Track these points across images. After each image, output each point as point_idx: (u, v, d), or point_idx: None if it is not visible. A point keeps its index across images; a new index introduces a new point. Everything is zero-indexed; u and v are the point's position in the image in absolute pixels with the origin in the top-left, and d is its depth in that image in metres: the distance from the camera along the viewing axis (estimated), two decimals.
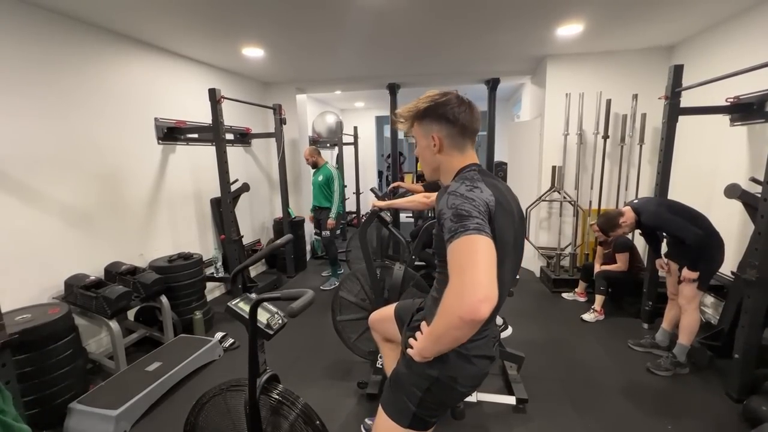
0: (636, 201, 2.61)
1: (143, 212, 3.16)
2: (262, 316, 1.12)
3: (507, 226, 0.96)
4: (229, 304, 1.12)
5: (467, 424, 2.01)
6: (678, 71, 2.66)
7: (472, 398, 2.11)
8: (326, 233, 4.02)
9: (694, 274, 2.30)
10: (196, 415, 1.33)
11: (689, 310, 2.39)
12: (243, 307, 1.12)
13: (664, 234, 2.58)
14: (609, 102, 3.69)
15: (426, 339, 0.94)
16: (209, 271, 3.76)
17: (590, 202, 3.92)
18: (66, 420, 2.04)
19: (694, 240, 2.22)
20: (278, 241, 1.39)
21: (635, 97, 3.63)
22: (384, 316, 1.53)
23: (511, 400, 2.12)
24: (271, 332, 1.08)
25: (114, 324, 2.35)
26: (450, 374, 1.02)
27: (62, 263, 2.51)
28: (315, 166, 4.21)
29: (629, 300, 3.35)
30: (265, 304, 1.17)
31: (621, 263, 3.27)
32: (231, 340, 2.91)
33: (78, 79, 2.60)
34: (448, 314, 0.81)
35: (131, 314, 2.98)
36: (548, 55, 3.88)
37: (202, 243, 3.84)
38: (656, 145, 3.61)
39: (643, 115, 3.63)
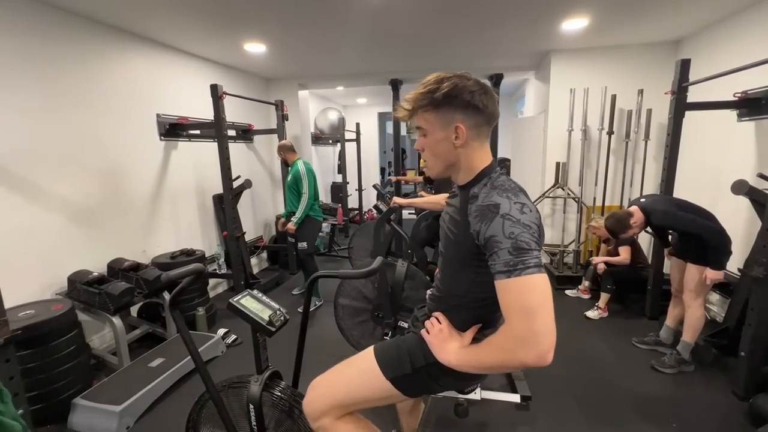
0: (643, 200, 2.53)
1: (146, 209, 3.16)
2: (264, 313, 1.12)
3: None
4: (231, 300, 1.12)
5: (471, 422, 2.00)
6: (685, 66, 2.63)
7: (476, 395, 2.09)
8: (303, 245, 3.35)
9: (720, 275, 2.22)
10: (199, 412, 1.33)
11: (694, 306, 2.36)
12: (245, 303, 1.11)
13: (671, 232, 2.55)
14: (614, 97, 3.65)
15: (469, 360, 0.89)
16: (212, 267, 3.77)
17: (594, 198, 3.89)
18: (70, 415, 2.05)
19: (713, 236, 2.17)
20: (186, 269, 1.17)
21: (641, 92, 3.59)
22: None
23: (515, 397, 2.11)
24: (273, 329, 1.07)
25: (117, 320, 2.36)
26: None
27: (65, 259, 2.51)
28: (286, 163, 3.57)
29: (633, 297, 3.33)
30: (266, 299, 1.16)
31: (624, 255, 3.24)
32: (233, 337, 2.91)
33: (80, 75, 2.60)
34: (511, 355, 0.79)
35: (134, 310, 2.98)
36: (552, 50, 3.84)
37: (205, 239, 3.84)
38: (662, 141, 3.57)
39: (649, 111, 3.59)
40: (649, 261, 3.21)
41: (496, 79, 4.67)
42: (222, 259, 3.83)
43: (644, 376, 2.39)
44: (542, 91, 4.32)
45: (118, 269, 2.66)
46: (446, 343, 0.94)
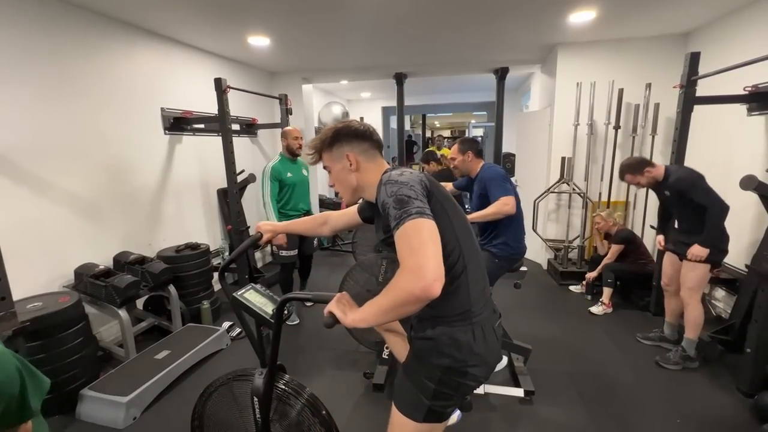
0: (670, 165, 2.49)
1: (151, 202, 3.17)
2: (268, 307, 1.12)
3: (443, 193, 1.05)
4: (235, 294, 1.12)
5: (474, 416, 2.01)
6: (694, 59, 2.58)
7: (480, 390, 2.10)
8: (284, 252, 3.00)
9: (704, 252, 2.20)
10: (204, 404, 1.34)
11: (692, 303, 2.35)
12: (249, 297, 1.12)
13: (678, 208, 2.44)
14: (621, 91, 3.61)
15: (370, 310, 0.93)
16: (216, 261, 3.79)
17: (600, 194, 3.85)
18: (78, 406, 2.08)
19: (719, 211, 2.15)
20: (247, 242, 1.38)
21: (648, 86, 3.53)
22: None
23: (518, 392, 2.11)
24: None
25: (123, 313, 2.38)
26: (463, 360, 1.02)
27: (72, 252, 2.54)
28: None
29: (638, 293, 3.31)
30: (270, 293, 1.17)
31: (611, 254, 3.27)
32: (238, 330, 2.94)
33: (85, 68, 2.60)
34: (402, 291, 0.84)
35: (140, 303, 3.01)
36: (559, 43, 3.79)
37: (210, 233, 3.86)
38: (669, 136, 3.52)
39: (657, 105, 3.54)
40: (654, 257, 3.18)
41: (502, 72, 4.63)
42: (226, 253, 3.85)
43: (648, 372, 2.38)
44: (548, 85, 4.28)
45: (124, 262, 2.69)
46: (349, 309, 0.98)
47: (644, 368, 2.43)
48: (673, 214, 2.52)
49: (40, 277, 2.37)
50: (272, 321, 1.08)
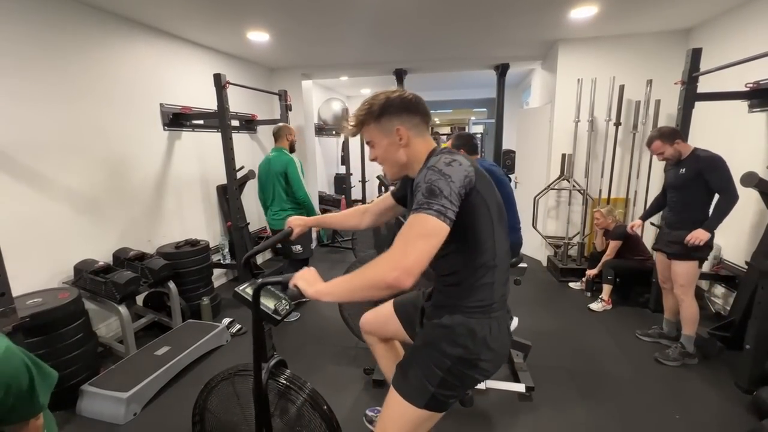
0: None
1: (150, 198, 3.16)
2: (270, 302, 1.12)
3: (491, 191, 1.01)
4: (236, 289, 1.12)
5: (474, 412, 2.02)
6: (696, 55, 2.57)
7: (481, 385, 2.10)
8: (298, 248, 2.97)
9: (707, 235, 2.21)
10: (205, 399, 1.34)
11: (687, 300, 2.37)
12: (250, 292, 1.12)
13: (681, 191, 2.40)
14: (622, 88, 3.60)
15: (338, 284, 0.92)
16: (216, 257, 3.78)
17: (600, 190, 3.85)
18: (78, 401, 2.08)
19: (732, 199, 2.17)
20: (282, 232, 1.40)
21: (650, 82, 3.53)
22: (382, 316, 1.48)
23: (520, 387, 2.11)
24: (278, 318, 1.07)
25: (123, 309, 2.38)
26: (476, 353, 1.02)
27: (71, 249, 2.53)
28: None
29: (637, 290, 3.32)
30: (272, 289, 1.16)
31: (610, 251, 3.28)
32: (238, 326, 2.94)
33: (83, 63, 2.58)
34: (376, 273, 0.84)
35: (140, 299, 3.01)
36: (560, 39, 3.77)
37: (209, 229, 3.86)
38: None
39: (657, 102, 3.54)
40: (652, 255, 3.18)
41: (502, 69, 4.61)
42: (226, 250, 3.84)
43: (648, 369, 2.39)
44: (549, 82, 4.26)
45: (123, 258, 2.68)
46: (314, 281, 0.98)
47: (644, 365, 2.43)
48: (668, 202, 2.51)
49: (40, 273, 2.36)
50: (274, 316, 1.08)
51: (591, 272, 3.41)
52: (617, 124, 3.69)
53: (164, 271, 2.66)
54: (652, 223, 3.47)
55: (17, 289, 2.12)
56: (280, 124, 3.18)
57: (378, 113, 1.03)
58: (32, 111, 2.30)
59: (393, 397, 1.08)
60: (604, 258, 3.31)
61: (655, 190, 3.74)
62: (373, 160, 1.12)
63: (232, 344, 2.76)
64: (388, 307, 1.47)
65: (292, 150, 3.09)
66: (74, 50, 2.52)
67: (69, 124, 2.50)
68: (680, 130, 2.61)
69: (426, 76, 5.71)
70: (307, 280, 0.97)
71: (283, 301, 1.13)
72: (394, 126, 1.03)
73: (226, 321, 2.90)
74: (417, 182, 0.92)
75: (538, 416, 2.00)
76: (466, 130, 12.82)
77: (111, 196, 2.80)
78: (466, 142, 2.27)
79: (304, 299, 0.99)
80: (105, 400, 2.04)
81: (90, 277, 2.38)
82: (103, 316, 2.73)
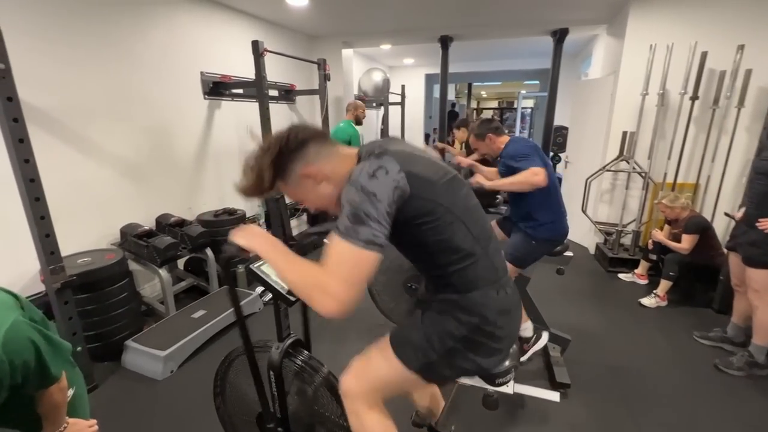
0: None
1: (191, 166, 3.25)
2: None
3: (445, 184, 0.92)
4: (251, 266, 1.07)
5: (499, 412, 1.91)
6: None
7: (508, 390, 1.96)
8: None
9: None
10: (225, 370, 1.35)
11: (761, 307, 2.06)
12: (266, 270, 1.06)
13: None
14: (704, 55, 3.10)
15: (280, 258, 0.87)
16: None
17: (665, 174, 3.43)
18: (123, 355, 2.24)
19: None
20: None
21: (741, 48, 3.00)
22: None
23: (553, 396, 1.92)
24: (293, 299, 1.01)
25: (164, 272, 2.49)
26: (493, 323, 0.96)
27: (118, 212, 2.66)
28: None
29: (699, 287, 2.96)
30: None
31: (686, 244, 2.83)
32: (270, 295, 3.00)
33: (125, 30, 2.61)
34: (310, 286, 0.81)
35: (181, 263, 3.15)
36: None
37: (247, 199, 3.93)
38: (760, 109, 3.02)
39: (748, 72, 3.01)
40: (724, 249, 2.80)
41: (561, 34, 4.16)
42: (262, 220, 3.92)
43: (705, 376, 2.14)
44: (614, 49, 3.78)
45: (165, 224, 2.79)
46: (254, 234, 0.93)
47: (701, 371, 2.18)
48: (752, 193, 2.17)
49: (90, 235, 2.51)
50: (289, 297, 1.02)
51: (657, 234, 3.00)
52: (694, 98, 3.21)
53: (202, 238, 2.74)
54: (726, 214, 3.05)
55: (70, 248, 2.27)
56: (351, 100, 4.01)
57: (270, 181, 0.91)
58: (79, 76, 2.37)
59: (386, 351, 1.04)
60: (674, 248, 2.87)
61: (734, 176, 3.27)
62: (301, 207, 1.03)
63: (264, 312, 2.84)
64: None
65: (358, 123, 3.73)
66: (119, 17, 2.55)
67: (114, 90, 2.57)
68: None
69: (474, 43, 5.31)
70: (246, 235, 0.92)
71: None
72: (297, 175, 0.93)
73: (259, 289, 2.97)
74: (342, 198, 0.83)
75: (570, 417, 1.85)
76: (515, 105, 12.03)
77: (154, 163, 2.90)
78: (487, 128, 2.07)
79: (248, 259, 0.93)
80: (146, 357, 2.17)
81: (134, 241, 2.50)
82: (146, 276, 2.90)
